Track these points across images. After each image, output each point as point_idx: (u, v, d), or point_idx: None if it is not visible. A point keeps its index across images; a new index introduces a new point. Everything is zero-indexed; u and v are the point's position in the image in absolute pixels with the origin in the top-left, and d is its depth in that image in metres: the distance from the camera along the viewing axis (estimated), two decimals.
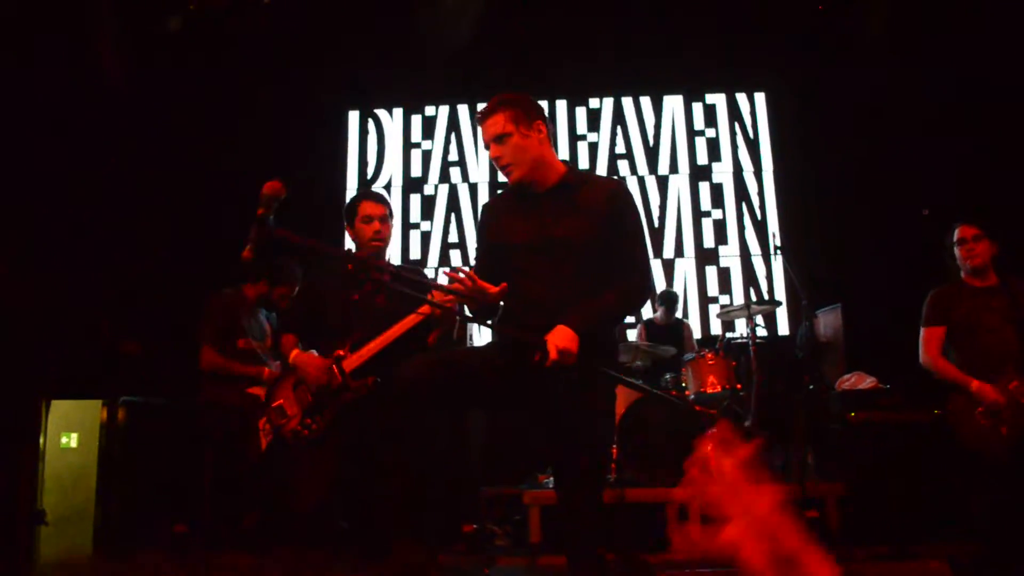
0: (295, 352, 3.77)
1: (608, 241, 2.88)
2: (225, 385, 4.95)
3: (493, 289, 2.82)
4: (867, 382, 5.27)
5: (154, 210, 7.11)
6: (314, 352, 3.81)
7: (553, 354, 2.62)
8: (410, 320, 3.57)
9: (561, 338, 2.65)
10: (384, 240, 3.86)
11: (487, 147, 2.99)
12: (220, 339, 5.01)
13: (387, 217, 3.88)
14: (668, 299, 6.81)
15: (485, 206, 3.20)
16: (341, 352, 3.65)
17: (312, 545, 3.75)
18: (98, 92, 6.91)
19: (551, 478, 5.21)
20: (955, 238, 4.31)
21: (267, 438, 4.62)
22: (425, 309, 3.53)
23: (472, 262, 3.49)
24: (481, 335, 6.74)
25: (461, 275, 2.78)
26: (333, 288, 3.85)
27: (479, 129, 3.03)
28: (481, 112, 2.99)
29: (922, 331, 4.33)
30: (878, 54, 7.11)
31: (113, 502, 5.65)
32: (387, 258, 4.02)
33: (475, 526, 4.77)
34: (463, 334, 5.54)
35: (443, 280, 3.59)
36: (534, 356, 2.66)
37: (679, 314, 6.98)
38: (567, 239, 2.86)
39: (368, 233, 3.81)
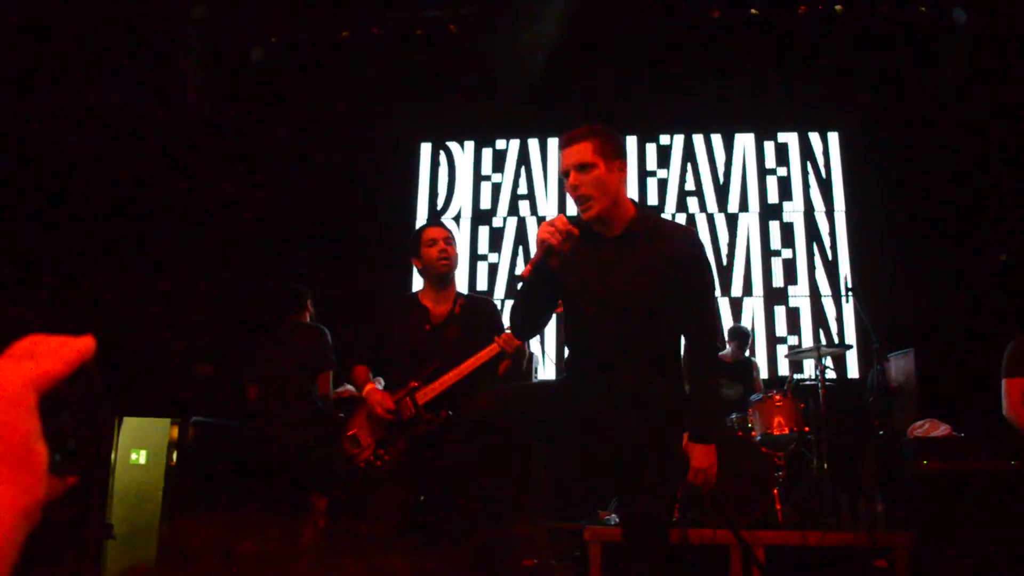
0: (370, 386, 3.81)
1: (675, 298, 2.80)
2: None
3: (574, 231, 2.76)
4: (941, 430, 5.13)
5: (232, 235, 7.28)
6: (381, 380, 3.85)
7: (695, 479, 2.78)
8: (484, 353, 3.59)
9: (695, 459, 2.78)
10: (451, 260, 3.89)
11: (564, 175, 2.84)
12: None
13: (451, 240, 3.93)
14: (740, 335, 6.72)
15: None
16: (415, 384, 3.69)
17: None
18: (180, 119, 7.14)
19: (612, 515, 5.17)
20: None
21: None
22: (500, 341, 3.57)
23: None
24: (546, 368, 6.73)
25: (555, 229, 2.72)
26: (405, 320, 3.89)
27: (556, 157, 2.98)
28: (567, 136, 2.83)
29: (1004, 382, 4.23)
30: (954, 95, 6.99)
31: (178, 519, 5.74)
32: (454, 285, 4.04)
33: (535, 560, 4.75)
34: (531, 367, 5.55)
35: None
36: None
37: (747, 352, 6.88)
38: (633, 294, 2.80)
39: (434, 254, 3.85)
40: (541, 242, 2.72)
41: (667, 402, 2.83)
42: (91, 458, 0.75)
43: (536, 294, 2.95)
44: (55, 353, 0.68)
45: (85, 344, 0.72)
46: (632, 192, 7.90)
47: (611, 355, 2.83)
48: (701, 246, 2.92)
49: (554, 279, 2.87)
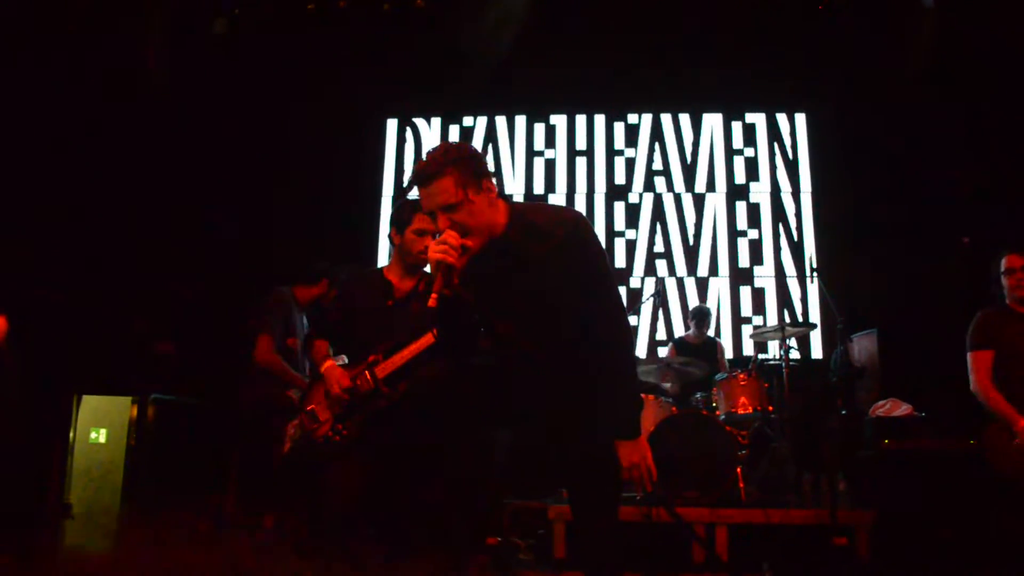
0: (328, 363, 3.75)
1: (574, 290, 2.64)
2: (266, 384, 4.86)
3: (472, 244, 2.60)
4: (902, 409, 5.18)
5: (193, 212, 7.17)
6: (344, 358, 3.79)
7: (630, 476, 2.63)
8: None
9: (624, 457, 2.63)
10: None
11: (431, 215, 2.62)
12: (278, 334, 4.95)
13: (437, 233, 3.85)
14: (700, 315, 6.72)
15: None
16: (374, 357, 3.64)
17: (339, 548, 3.73)
18: (142, 94, 7.00)
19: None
20: (1003, 267, 4.23)
21: (291, 442, 4.61)
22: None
23: None
24: None
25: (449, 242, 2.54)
26: (368, 294, 3.84)
27: (419, 188, 2.60)
28: (422, 173, 2.57)
29: (970, 356, 4.25)
30: (922, 78, 7.03)
31: (139, 498, 5.67)
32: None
33: (499, 539, 4.73)
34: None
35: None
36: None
37: (711, 332, 6.90)
38: (530, 305, 2.68)
39: (420, 246, 3.77)
40: (437, 263, 2.51)
41: (597, 403, 2.68)
42: (5, 441, 0.70)
43: (450, 318, 2.75)
44: None
45: None
46: (601, 171, 7.90)
47: (532, 367, 2.73)
48: (580, 225, 2.68)
49: (465, 300, 2.69)
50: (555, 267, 2.61)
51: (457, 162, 2.55)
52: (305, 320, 5.19)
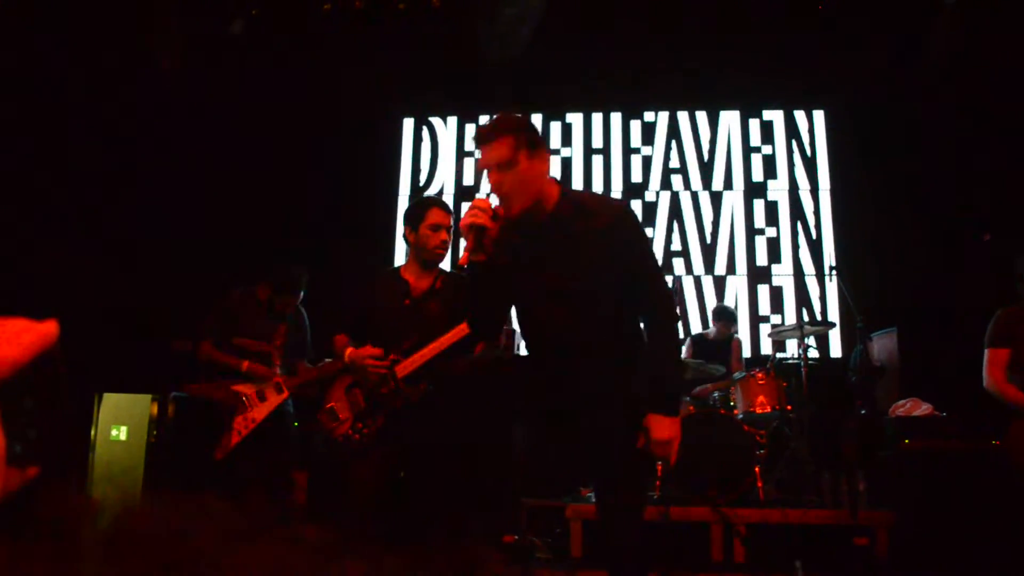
0: (349, 350, 3.76)
1: (617, 272, 2.70)
2: (213, 379, 4.93)
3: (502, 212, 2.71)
4: (923, 409, 5.15)
5: (211, 210, 7.19)
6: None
7: (657, 451, 2.62)
8: (462, 329, 3.56)
9: (658, 431, 2.61)
10: (447, 250, 3.89)
11: (485, 171, 2.72)
12: (219, 336, 4.99)
13: (451, 227, 3.91)
14: (724, 314, 6.68)
15: None
16: (393, 357, 3.65)
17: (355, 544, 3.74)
18: (155, 91, 7.04)
19: (593, 492, 5.16)
20: None
21: (238, 438, 4.64)
22: None
23: None
24: None
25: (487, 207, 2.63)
26: (386, 294, 3.85)
27: (478, 147, 2.76)
28: (483, 132, 2.71)
29: (986, 352, 4.20)
30: (941, 74, 6.97)
31: (159, 494, 5.70)
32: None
33: (516, 537, 4.74)
34: (512, 342, 5.52)
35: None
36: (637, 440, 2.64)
37: (733, 330, 6.84)
38: (572, 279, 2.71)
39: (435, 241, 3.81)
40: (469, 227, 2.63)
41: (632, 394, 2.71)
42: (55, 448, 0.71)
43: (483, 287, 2.81)
44: (16, 339, 0.64)
45: (48, 329, 0.67)
46: (617, 169, 7.88)
47: (566, 348, 2.74)
48: (630, 214, 2.83)
49: (495, 267, 2.75)
50: (600, 247, 2.68)
51: (518, 128, 2.70)
52: (284, 318, 5.25)
